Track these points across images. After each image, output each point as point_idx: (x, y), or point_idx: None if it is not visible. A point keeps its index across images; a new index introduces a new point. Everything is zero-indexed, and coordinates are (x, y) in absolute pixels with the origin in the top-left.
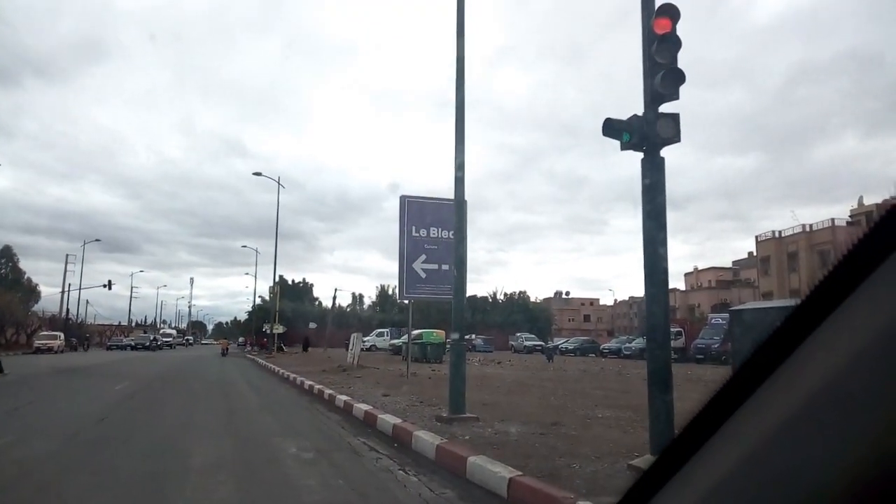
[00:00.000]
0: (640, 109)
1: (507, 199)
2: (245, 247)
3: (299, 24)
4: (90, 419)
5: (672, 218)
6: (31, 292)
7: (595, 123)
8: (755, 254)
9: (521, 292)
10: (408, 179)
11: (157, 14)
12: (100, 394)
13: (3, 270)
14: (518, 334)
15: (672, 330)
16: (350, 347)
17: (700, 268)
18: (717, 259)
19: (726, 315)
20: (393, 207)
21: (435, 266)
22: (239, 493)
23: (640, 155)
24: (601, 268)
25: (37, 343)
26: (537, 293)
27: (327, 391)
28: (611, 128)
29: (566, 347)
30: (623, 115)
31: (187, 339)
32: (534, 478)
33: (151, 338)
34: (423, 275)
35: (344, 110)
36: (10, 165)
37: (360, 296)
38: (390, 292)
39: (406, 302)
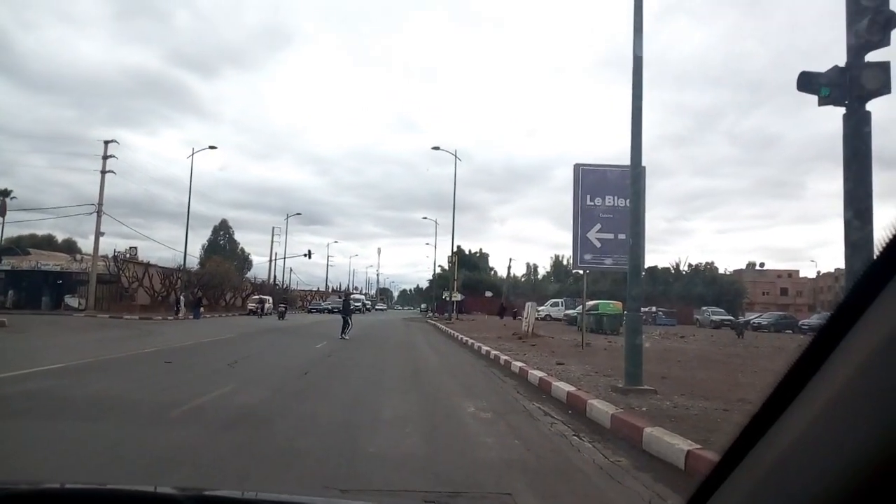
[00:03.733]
0: (834, 59)
1: (685, 164)
2: (425, 218)
3: None
4: (295, 373)
5: (883, 179)
6: (245, 260)
7: (782, 76)
8: None
9: (707, 263)
10: (575, 147)
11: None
12: (302, 351)
13: (221, 241)
14: (704, 308)
15: None
16: (525, 316)
17: None
18: None
19: None
20: (562, 176)
21: (610, 235)
22: (423, 444)
23: (842, 110)
24: (799, 236)
25: (249, 306)
26: (726, 264)
27: (503, 357)
28: (807, 81)
29: (759, 323)
30: (812, 67)
31: (365, 305)
32: (716, 452)
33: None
34: (597, 244)
35: (506, 79)
36: (219, 148)
37: (535, 266)
38: (564, 262)
39: (580, 272)
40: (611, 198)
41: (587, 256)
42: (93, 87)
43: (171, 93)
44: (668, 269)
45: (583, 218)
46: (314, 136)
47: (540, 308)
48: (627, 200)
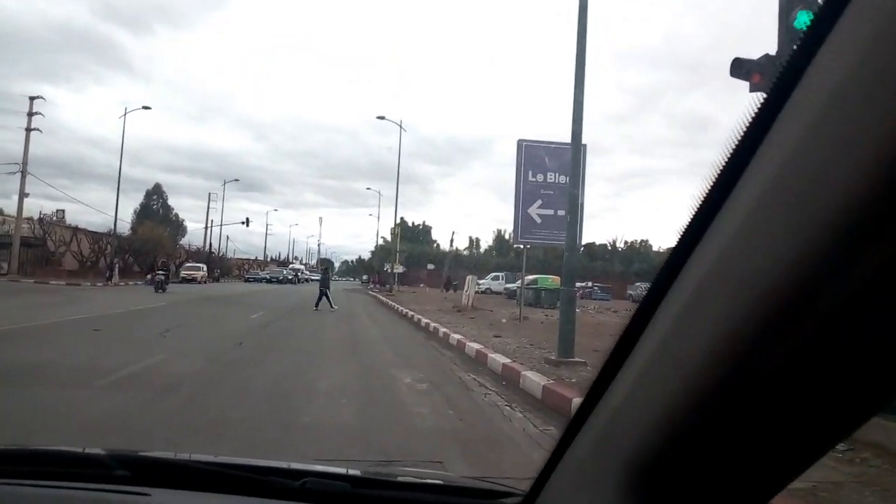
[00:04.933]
0: (773, 43)
1: (623, 143)
2: (369, 189)
3: None
4: (229, 343)
5: None
6: (179, 227)
7: (719, 59)
8: None
9: (642, 241)
10: (517, 124)
11: None
12: (238, 321)
13: (154, 206)
14: (637, 283)
15: None
16: (465, 289)
17: None
18: None
19: None
20: (503, 151)
21: (550, 212)
22: (358, 414)
23: None
24: None
25: (182, 273)
26: (660, 242)
27: (442, 329)
28: (739, 68)
29: None
30: (753, 52)
31: (303, 274)
32: None
33: (283, 272)
34: (538, 220)
35: (450, 52)
36: (152, 109)
37: (477, 239)
38: (506, 236)
39: (521, 247)
40: (552, 174)
41: (528, 231)
42: (12, 39)
43: (99, 48)
44: (605, 245)
45: (524, 194)
46: (250, 101)
47: (481, 281)
48: (567, 177)
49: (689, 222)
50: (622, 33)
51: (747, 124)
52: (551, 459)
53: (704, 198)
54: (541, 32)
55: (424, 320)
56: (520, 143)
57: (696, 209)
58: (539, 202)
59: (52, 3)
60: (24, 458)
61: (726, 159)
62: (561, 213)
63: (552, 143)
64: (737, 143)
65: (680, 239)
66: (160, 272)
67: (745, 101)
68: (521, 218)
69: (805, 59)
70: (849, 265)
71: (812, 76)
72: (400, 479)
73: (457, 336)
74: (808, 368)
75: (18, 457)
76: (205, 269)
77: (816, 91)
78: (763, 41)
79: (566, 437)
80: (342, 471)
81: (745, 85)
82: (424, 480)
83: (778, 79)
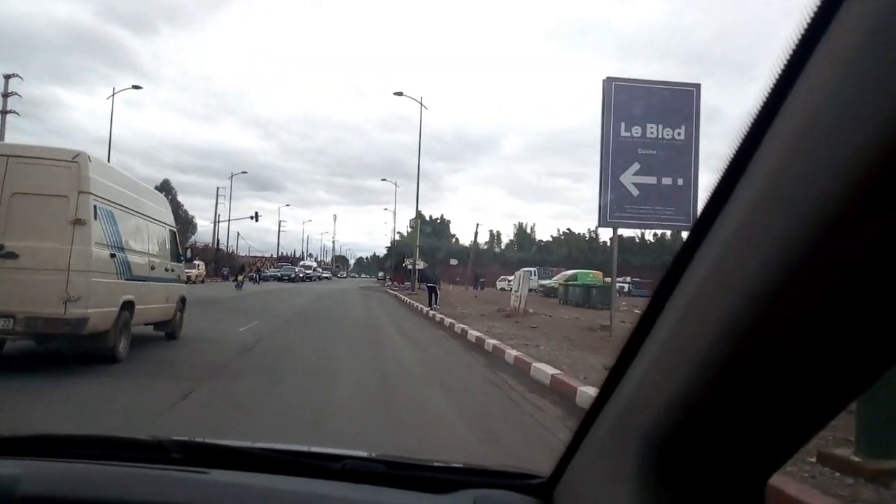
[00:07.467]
0: (778, 32)
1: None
2: (384, 180)
3: None
4: (180, 387)
5: None
6: (189, 224)
7: (724, 50)
8: None
9: (672, 234)
10: (524, 119)
11: None
12: (223, 336)
13: None
14: None
15: None
16: (516, 289)
17: None
18: None
19: None
20: (511, 145)
21: (652, 179)
22: None
23: None
24: None
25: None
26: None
27: (509, 351)
28: None
29: None
30: (754, 40)
31: (315, 272)
32: None
33: (295, 270)
34: (634, 192)
35: (456, 44)
36: (159, 108)
37: (498, 233)
38: (528, 230)
39: (597, 232)
40: (653, 126)
41: (620, 208)
42: (24, 43)
43: (106, 50)
44: (632, 238)
45: (615, 154)
46: (258, 99)
47: (509, 278)
48: (678, 130)
49: (699, 218)
50: (626, 25)
51: (749, 123)
52: (570, 446)
53: (710, 195)
54: (546, 24)
55: (472, 332)
56: (607, 81)
57: (704, 206)
58: (636, 166)
59: (57, 5)
60: (79, 443)
61: (730, 158)
62: (667, 181)
63: (655, 82)
64: (738, 143)
65: (690, 232)
66: None
67: (752, 91)
68: (610, 189)
69: (803, 56)
70: (835, 254)
71: (808, 74)
72: (433, 463)
73: (540, 365)
74: (803, 352)
75: (73, 442)
76: (201, 266)
77: (811, 91)
78: (767, 33)
79: (584, 425)
80: (378, 456)
81: (751, 75)
82: (453, 464)
83: (777, 78)
